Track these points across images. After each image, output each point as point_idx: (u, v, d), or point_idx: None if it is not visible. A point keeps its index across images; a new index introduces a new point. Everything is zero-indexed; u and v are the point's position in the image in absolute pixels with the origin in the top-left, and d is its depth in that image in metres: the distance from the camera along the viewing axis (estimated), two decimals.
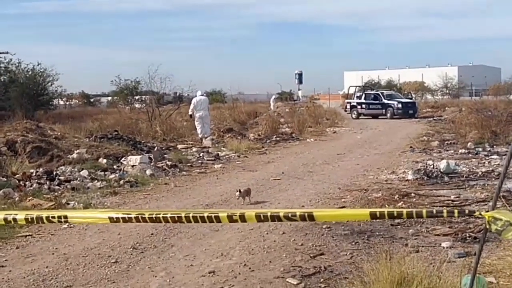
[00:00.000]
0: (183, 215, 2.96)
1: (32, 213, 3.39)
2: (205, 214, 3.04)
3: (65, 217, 3.29)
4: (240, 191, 9.83)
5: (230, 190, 11.10)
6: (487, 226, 2.64)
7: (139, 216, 3.08)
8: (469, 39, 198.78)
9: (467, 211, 2.90)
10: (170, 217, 2.99)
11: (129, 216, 3.09)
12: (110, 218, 3.15)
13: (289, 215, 2.95)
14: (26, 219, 3.37)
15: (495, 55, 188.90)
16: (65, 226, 7.97)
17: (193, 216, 2.98)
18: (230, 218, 2.98)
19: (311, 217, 2.99)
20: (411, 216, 2.96)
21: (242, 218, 2.95)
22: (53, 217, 3.27)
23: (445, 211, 2.76)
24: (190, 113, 22.38)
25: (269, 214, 2.98)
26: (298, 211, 2.97)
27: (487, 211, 2.67)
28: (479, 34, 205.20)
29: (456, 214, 2.82)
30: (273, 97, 51.54)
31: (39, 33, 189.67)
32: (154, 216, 3.04)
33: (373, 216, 2.99)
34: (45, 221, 3.27)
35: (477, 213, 2.77)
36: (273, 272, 6.04)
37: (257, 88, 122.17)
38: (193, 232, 7.65)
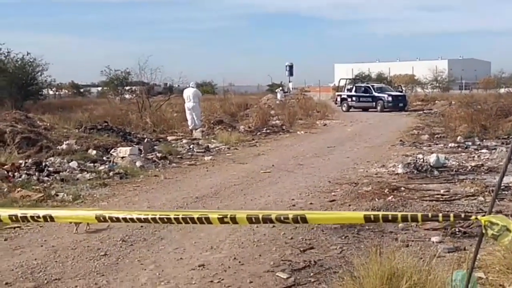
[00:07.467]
0: (172, 216, 2.91)
1: (16, 212, 3.31)
2: (195, 216, 2.99)
3: (50, 216, 3.22)
4: None
5: (220, 183, 11.08)
6: (483, 231, 2.61)
7: (127, 216, 3.02)
8: (460, 33, 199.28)
9: (463, 215, 2.87)
10: (159, 218, 2.93)
11: (117, 216, 3.04)
12: (97, 217, 3.09)
13: (282, 217, 2.90)
14: (10, 218, 3.29)
15: (485, 48, 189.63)
16: None
17: (182, 218, 2.92)
18: (221, 220, 2.93)
19: (303, 220, 2.93)
20: (406, 219, 2.94)
21: (233, 220, 2.90)
22: (38, 217, 3.20)
23: (440, 215, 2.74)
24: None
25: (260, 216, 2.93)
26: (291, 214, 2.92)
27: (483, 215, 2.65)
28: (470, 27, 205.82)
29: (451, 218, 2.80)
30: (280, 89, 51.94)
31: (29, 23, 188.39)
32: (142, 217, 2.99)
33: (367, 219, 2.96)
34: (29, 219, 3.20)
35: (473, 218, 2.74)
36: (263, 266, 6.03)
37: (248, 80, 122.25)
38: (183, 225, 7.59)
